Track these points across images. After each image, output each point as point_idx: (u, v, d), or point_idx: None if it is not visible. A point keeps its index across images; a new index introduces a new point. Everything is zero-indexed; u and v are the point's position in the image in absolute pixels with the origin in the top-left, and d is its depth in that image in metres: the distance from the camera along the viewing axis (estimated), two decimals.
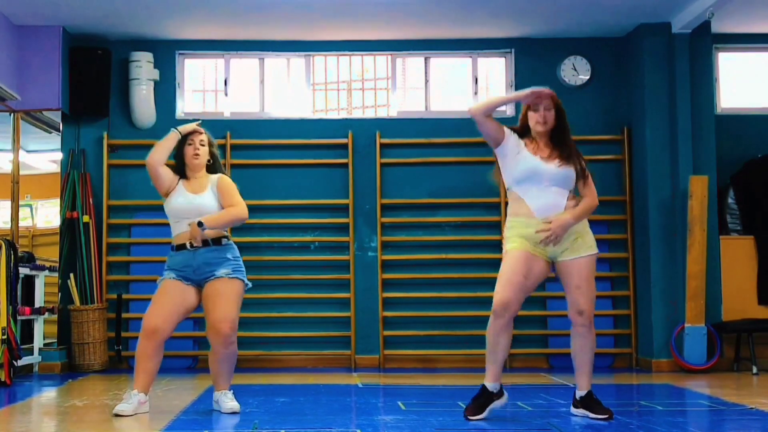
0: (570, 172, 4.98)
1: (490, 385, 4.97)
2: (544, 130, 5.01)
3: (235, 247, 5.39)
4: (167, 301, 5.19)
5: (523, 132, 5.09)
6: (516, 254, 4.91)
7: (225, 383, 5.34)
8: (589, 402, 4.99)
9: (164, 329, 5.15)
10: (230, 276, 5.24)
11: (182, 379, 7.41)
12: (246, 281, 5.34)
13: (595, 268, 5.06)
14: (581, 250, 4.97)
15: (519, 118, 5.16)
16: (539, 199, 4.94)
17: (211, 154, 5.46)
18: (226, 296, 5.21)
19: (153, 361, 5.17)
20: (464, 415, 4.93)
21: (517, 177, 4.99)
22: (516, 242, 4.95)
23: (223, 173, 5.51)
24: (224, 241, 5.31)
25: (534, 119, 5.02)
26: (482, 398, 4.97)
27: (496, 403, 5.00)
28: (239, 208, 5.35)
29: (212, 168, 5.46)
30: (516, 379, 7.45)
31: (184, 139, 5.37)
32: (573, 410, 5.08)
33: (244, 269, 5.35)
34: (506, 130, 5.07)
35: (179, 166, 5.40)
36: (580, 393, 5.03)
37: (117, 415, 5.03)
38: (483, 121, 5.01)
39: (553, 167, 4.95)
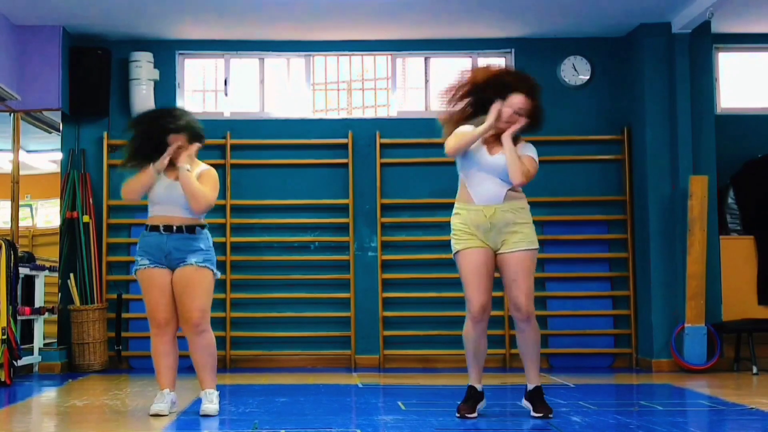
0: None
1: (479, 386, 5.04)
2: (505, 129, 4.99)
3: (209, 237, 5.36)
4: (161, 292, 5.20)
5: (476, 112, 5.06)
6: (472, 254, 4.92)
7: (208, 380, 5.26)
8: (533, 397, 5.03)
9: (173, 320, 5.22)
10: (200, 264, 5.20)
11: (182, 379, 7.36)
12: (216, 272, 5.31)
13: (535, 263, 5.04)
14: (520, 244, 4.95)
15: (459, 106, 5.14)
16: (478, 186, 4.98)
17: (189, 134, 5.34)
18: (194, 284, 5.19)
19: (171, 356, 5.24)
20: (460, 413, 4.95)
21: (464, 162, 5.05)
22: (464, 240, 4.96)
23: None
24: (198, 229, 5.27)
25: (506, 115, 4.95)
26: (473, 399, 5.02)
27: (481, 405, 5.07)
28: (210, 192, 5.24)
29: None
30: (516, 379, 7.44)
31: (165, 132, 5.25)
32: (522, 402, 5.14)
33: (215, 260, 5.33)
34: (459, 130, 5.07)
35: (156, 153, 5.24)
36: (529, 387, 5.08)
37: (155, 416, 5.06)
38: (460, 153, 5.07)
39: (496, 159, 4.97)
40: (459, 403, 5.05)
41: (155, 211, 5.31)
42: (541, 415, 4.95)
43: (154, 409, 5.11)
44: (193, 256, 5.20)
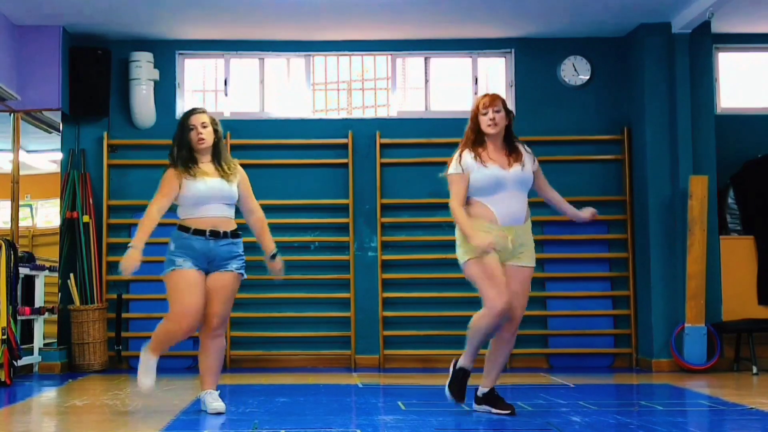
0: (528, 175, 5.17)
1: (469, 366, 5.23)
2: (495, 132, 5.14)
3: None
4: (200, 295, 5.19)
5: (475, 139, 5.19)
6: (490, 258, 5.00)
7: (211, 381, 5.32)
8: (492, 398, 5.19)
9: (197, 325, 5.25)
10: (238, 271, 5.35)
11: (182, 379, 7.41)
12: (245, 274, 5.44)
13: None
14: (527, 260, 5.14)
15: (465, 131, 5.25)
16: (503, 206, 5.07)
17: (215, 132, 5.40)
18: (228, 292, 5.32)
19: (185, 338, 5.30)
20: (452, 397, 5.21)
21: (481, 188, 5.10)
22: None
23: (226, 154, 5.48)
24: (238, 234, 5.37)
25: (485, 122, 5.14)
26: (463, 380, 5.22)
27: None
28: (264, 217, 5.58)
29: (216, 148, 5.39)
30: (516, 379, 7.45)
31: (186, 125, 5.33)
32: (476, 407, 5.27)
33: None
34: (463, 169, 5.14)
35: (187, 153, 5.32)
36: (483, 390, 5.23)
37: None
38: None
39: (515, 173, 5.11)
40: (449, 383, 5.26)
41: (198, 212, 5.24)
42: (509, 411, 5.09)
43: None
44: (234, 262, 5.32)
